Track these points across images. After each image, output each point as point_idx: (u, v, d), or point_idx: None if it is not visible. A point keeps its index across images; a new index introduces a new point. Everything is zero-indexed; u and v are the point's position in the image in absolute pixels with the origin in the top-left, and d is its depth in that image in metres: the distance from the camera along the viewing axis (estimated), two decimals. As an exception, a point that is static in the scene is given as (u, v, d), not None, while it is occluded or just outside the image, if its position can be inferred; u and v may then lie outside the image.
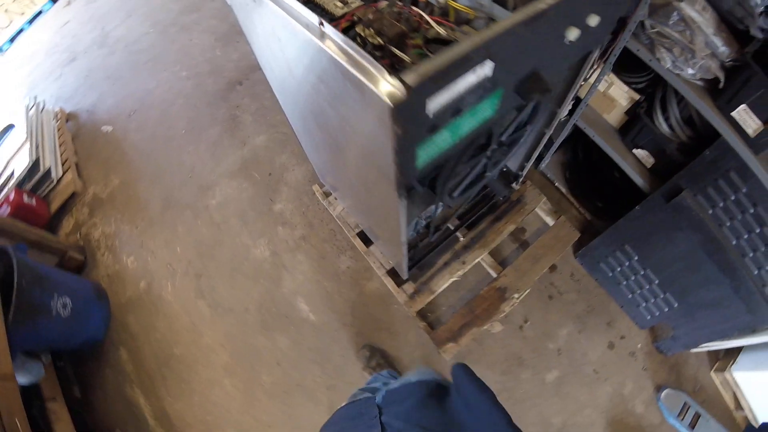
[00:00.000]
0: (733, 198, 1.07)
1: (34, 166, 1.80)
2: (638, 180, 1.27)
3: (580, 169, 1.55)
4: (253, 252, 1.52)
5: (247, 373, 1.43)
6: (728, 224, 1.12)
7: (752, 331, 1.28)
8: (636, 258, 1.35)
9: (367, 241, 1.41)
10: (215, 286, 1.51)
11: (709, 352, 1.60)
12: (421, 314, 1.34)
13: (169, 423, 1.45)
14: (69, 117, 2.11)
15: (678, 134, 1.17)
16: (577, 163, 1.58)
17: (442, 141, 0.58)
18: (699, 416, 1.55)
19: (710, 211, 1.13)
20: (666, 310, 1.40)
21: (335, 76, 0.52)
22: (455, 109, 0.52)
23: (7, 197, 1.68)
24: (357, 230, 1.41)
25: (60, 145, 1.98)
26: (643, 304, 1.44)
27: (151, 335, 1.54)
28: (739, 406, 1.59)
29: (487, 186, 1.39)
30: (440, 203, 0.96)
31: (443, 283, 1.33)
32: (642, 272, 1.37)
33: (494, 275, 1.37)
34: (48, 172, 1.83)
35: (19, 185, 1.82)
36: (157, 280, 1.58)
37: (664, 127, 1.18)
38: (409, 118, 0.45)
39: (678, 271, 1.27)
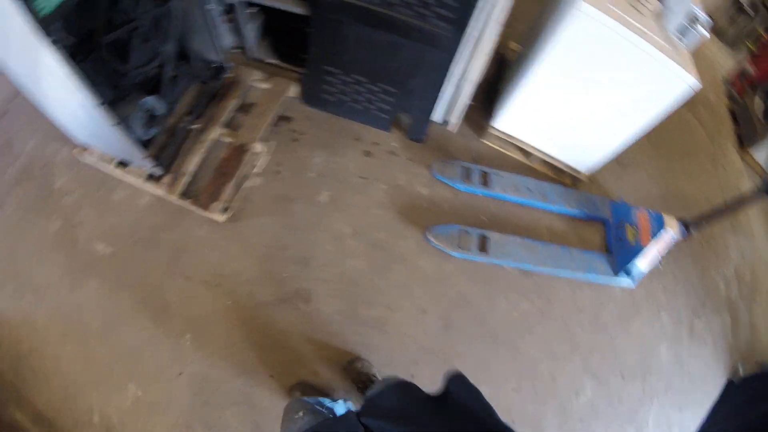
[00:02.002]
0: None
1: None
2: (300, 10, 1.74)
3: (280, 40, 2.05)
4: (50, 229, 1.86)
5: (79, 330, 1.74)
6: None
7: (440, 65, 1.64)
8: (339, 71, 1.82)
9: (126, 166, 1.85)
10: (30, 276, 1.82)
11: (474, 126, 2.04)
12: (184, 196, 1.73)
13: (45, 419, 1.69)
14: None
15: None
16: (277, 38, 2.07)
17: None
18: (486, 174, 1.95)
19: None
20: (390, 99, 1.84)
21: None
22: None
23: None
24: (115, 161, 1.84)
25: None
26: (373, 108, 1.89)
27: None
28: (527, 154, 2.01)
29: (193, 75, 1.84)
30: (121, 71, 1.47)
31: (192, 163, 1.74)
32: (350, 80, 1.83)
33: (231, 141, 1.80)
34: None
35: None
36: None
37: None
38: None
39: (371, 60, 1.72)
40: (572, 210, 2.00)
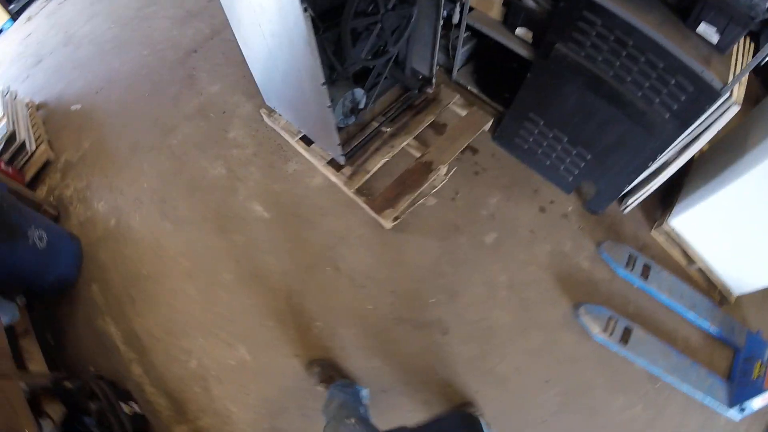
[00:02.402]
0: (594, 33, 1.45)
1: (11, 138, 2.35)
2: (524, 53, 1.79)
3: (486, 71, 2.07)
4: (210, 172, 1.97)
5: (208, 275, 1.82)
6: (600, 58, 1.49)
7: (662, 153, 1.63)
8: (542, 122, 1.81)
9: (309, 143, 1.90)
10: (177, 206, 1.93)
11: (646, 213, 2.00)
12: (360, 192, 1.77)
13: (138, 343, 1.77)
14: (39, 106, 2.68)
15: (541, 4, 1.71)
16: (483, 67, 2.09)
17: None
18: (649, 267, 1.91)
19: (582, 53, 1.52)
20: (582, 165, 1.82)
21: None
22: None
23: (-15, 163, 2.18)
24: (299, 136, 1.90)
25: (32, 126, 2.55)
26: (561, 167, 1.87)
27: (119, 263, 1.93)
28: (690, 260, 1.97)
29: (399, 81, 1.90)
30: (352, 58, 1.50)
31: (376, 164, 1.78)
32: (550, 134, 1.82)
33: (419, 155, 1.84)
34: (23, 145, 2.37)
35: (-3, 155, 2.35)
36: (126, 214, 2.00)
37: (530, 3, 1.74)
38: None
39: (579, 122, 1.70)
40: (712, 328, 1.95)
